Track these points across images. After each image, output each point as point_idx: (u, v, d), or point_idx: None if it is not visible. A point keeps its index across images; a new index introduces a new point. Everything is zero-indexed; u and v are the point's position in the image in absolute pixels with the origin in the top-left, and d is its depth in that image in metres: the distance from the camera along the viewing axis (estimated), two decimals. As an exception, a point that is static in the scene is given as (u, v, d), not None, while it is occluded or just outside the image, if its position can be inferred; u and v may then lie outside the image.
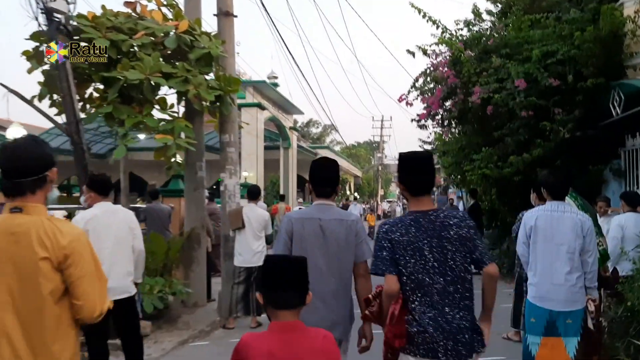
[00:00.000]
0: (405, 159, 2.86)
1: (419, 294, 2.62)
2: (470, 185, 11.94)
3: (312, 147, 28.98)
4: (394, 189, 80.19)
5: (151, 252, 8.11)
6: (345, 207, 24.21)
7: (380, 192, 56.52)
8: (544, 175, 4.25)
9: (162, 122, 6.52)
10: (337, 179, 3.33)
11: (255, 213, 7.08)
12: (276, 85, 18.27)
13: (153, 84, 6.37)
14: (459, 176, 13.11)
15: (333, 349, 2.07)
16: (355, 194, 43.23)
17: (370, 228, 23.46)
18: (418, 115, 11.21)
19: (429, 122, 11.31)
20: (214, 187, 14.74)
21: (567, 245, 3.95)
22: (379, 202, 51.56)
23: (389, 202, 57.03)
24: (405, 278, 2.63)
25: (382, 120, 53.72)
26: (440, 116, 10.86)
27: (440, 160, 13.39)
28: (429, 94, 10.81)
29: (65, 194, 34.37)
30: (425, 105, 10.87)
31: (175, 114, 8.27)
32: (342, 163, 34.86)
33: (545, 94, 8.82)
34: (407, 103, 11.08)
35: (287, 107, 19.70)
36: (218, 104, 6.95)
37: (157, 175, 32.33)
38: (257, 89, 16.09)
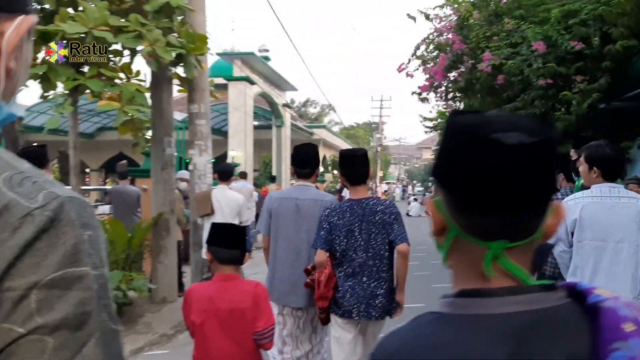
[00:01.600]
0: (345, 155, 3.50)
1: (344, 266, 3.23)
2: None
3: (308, 127, 27.76)
4: (394, 170, 79.17)
5: (110, 242, 7.07)
6: (341, 190, 23.14)
7: (380, 173, 55.43)
8: (594, 147, 3.16)
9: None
10: (316, 162, 3.69)
11: (227, 196, 5.99)
12: (267, 59, 17.05)
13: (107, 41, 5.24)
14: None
15: (261, 293, 2.56)
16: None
17: None
18: (419, 87, 10.06)
19: (431, 95, 10.16)
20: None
21: (628, 242, 2.88)
22: (378, 184, 50.50)
23: (388, 183, 56.03)
24: (338, 254, 3.26)
25: (381, 100, 52.40)
26: (444, 88, 9.70)
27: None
28: (432, 63, 9.65)
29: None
30: (427, 76, 9.71)
31: (143, 83, 7.20)
32: (340, 144, 33.71)
33: (566, 60, 7.67)
34: (407, 74, 9.93)
35: (279, 83, 18.49)
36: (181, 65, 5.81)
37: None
38: (245, 61, 14.87)
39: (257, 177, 19.79)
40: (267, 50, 17.39)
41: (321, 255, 3.27)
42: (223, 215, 5.90)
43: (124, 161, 10.98)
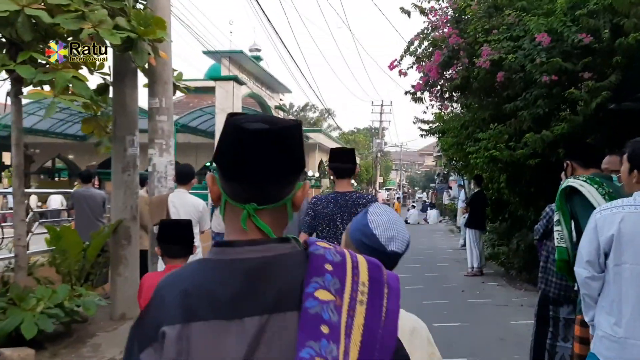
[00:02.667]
0: (334, 151, 3.83)
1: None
2: (474, 170, 10.10)
3: (304, 131, 27.07)
4: (395, 176, 78.35)
5: (62, 251, 6.35)
6: None
7: (380, 179, 54.67)
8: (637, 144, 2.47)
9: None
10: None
11: (186, 202, 5.24)
12: (259, 59, 16.36)
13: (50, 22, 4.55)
14: (460, 161, 11.27)
15: None
16: (353, 182, 41.33)
17: None
18: (413, 86, 9.34)
19: (426, 95, 9.42)
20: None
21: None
22: (378, 190, 49.72)
23: (388, 190, 55.27)
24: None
25: (381, 105, 51.70)
26: (439, 87, 8.97)
27: (439, 142, 11.53)
28: (427, 60, 8.93)
29: (50, 179, 32.66)
30: (421, 74, 8.99)
31: (108, 77, 6.50)
32: (338, 148, 33.04)
33: (573, 55, 6.94)
34: (400, 72, 9.21)
35: (272, 84, 17.79)
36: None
37: (143, 157, 30.65)
38: (233, 60, 14.18)
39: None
40: (258, 50, 16.67)
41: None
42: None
43: (94, 162, 10.18)
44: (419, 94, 9.34)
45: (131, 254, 6.51)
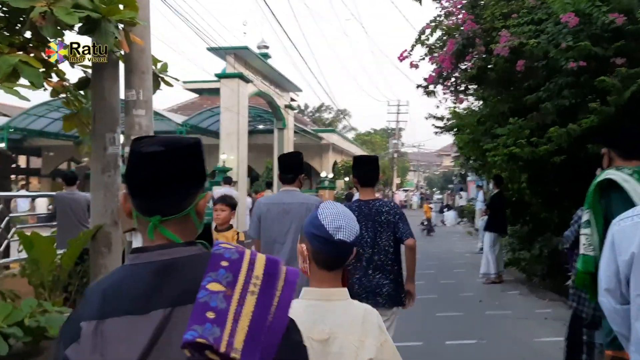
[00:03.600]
0: (359, 159, 3.93)
1: (353, 261, 2.74)
2: (492, 169, 9.33)
3: (316, 131, 26.40)
4: (412, 177, 77.25)
5: (33, 260, 5.77)
6: (349, 196, 21.70)
7: (397, 180, 53.79)
8: None
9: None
10: (299, 168, 3.92)
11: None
12: (267, 56, 15.73)
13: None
14: (477, 160, 10.50)
15: None
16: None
17: (426, 220, 20.81)
18: (425, 79, 8.62)
19: (439, 88, 8.70)
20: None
21: None
22: (394, 191, 48.84)
23: (406, 191, 54.34)
24: None
25: (398, 105, 50.87)
26: (453, 79, 8.24)
27: (455, 140, 10.79)
28: (439, 50, 8.22)
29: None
30: (434, 65, 8.28)
31: (89, 70, 5.92)
32: (352, 149, 32.31)
33: (603, 39, 6.18)
34: (411, 65, 8.49)
35: (281, 82, 17.15)
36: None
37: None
38: (239, 57, 13.57)
39: (258, 184, 18.53)
40: (266, 47, 16.04)
41: None
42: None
43: (83, 163, 9.62)
44: (431, 87, 8.63)
45: (112, 263, 5.89)
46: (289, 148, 18.49)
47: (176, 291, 1.07)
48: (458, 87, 8.26)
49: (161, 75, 6.09)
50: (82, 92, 6.29)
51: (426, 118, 9.63)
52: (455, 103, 8.77)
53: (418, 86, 8.86)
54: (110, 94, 5.83)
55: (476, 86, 8.14)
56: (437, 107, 8.73)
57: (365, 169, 3.81)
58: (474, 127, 8.53)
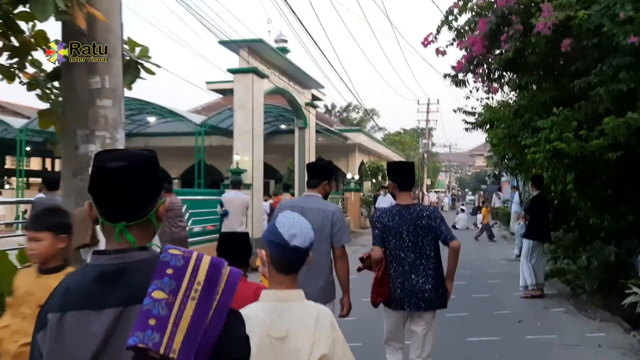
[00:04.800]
0: (396, 164, 4.15)
1: (395, 264, 3.73)
2: (532, 168, 8.22)
3: (342, 131, 25.39)
4: (443, 178, 75.44)
5: (-10, 279, 4.98)
6: (375, 197, 20.67)
7: (427, 181, 52.36)
8: None
9: None
10: (324, 174, 3.91)
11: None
12: (285, 50, 14.86)
13: None
14: (514, 158, 9.39)
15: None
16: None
17: (484, 225, 19.30)
18: (453, 67, 7.59)
19: (469, 76, 7.64)
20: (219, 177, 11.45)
21: None
22: (425, 193, 47.45)
23: (437, 192, 52.89)
24: (387, 252, 3.76)
25: (428, 104, 49.50)
26: (485, 65, 7.18)
27: (488, 137, 9.68)
28: (469, 33, 7.18)
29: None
30: (463, 51, 7.24)
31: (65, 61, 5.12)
32: (379, 149, 31.20)
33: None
34: (437, 51, 7.48)
35: (301, 78, 16.21)
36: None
37: (176, 162, 29.77)
38: (253, 51, 12.71)
39: (279, 187, 17.68)
40: (285, 41, 15.15)
41: (377, 251, 3.73)
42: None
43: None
44: (461, 75, 7.59)
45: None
46: (310, 148, 17.56)
47: (127, 292, 1.22)
48: (491, 75, 7.19)
49: (141, 61, 5.25)
50: (56, 84, 5.51)
51: (454, 111, 8.56)
52: (488, 94, 7.68)
53: (446, 75, 7.84)
54: (82, 83, 4.99)
55: (512, 72, 7.04)
56: (468, 97, 7.65)
57: (403, 175, 3.90)
58: (510, 120, 7.44)
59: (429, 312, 3.70)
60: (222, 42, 12.29)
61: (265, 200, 14.72)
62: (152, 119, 24.89)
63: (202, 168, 19.14)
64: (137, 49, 5.33)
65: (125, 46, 5.53)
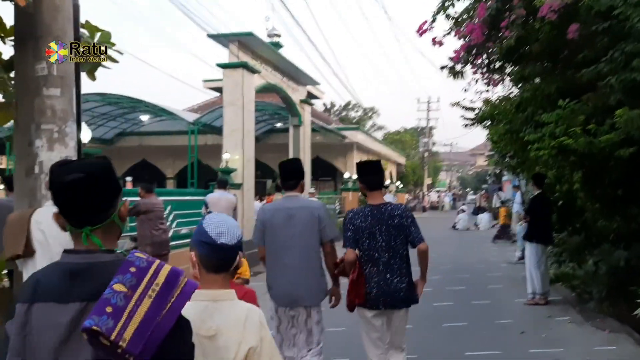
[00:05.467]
0: (363, 164, 4.03)
1: (370, 265, 3.72)
2: (535, 166, 7.69)
3: (339, 129, 24.84)
4: (444, 177, 74.85)
5: None
6: None
7: (428, 181, 51.82)
8: None
9: None
10: (300, 175, 3.98)
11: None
12: (278, 45, 14.34)
13: None
14: (515, 156, 8.85)
15: (251, 300, 2.56)
16: (398, 183, 38.88)
17: (503, 227, 18.29)
18: (450, 58, 7.07)
19: (468, 68, 7.12)
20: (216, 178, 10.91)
21: None
22: (425, 192, 46.93)
23: (438, 192, 52.31)
24: (361, 253, 3.74)
25: (428, 102, 48.99)
26: (485, 55, 6.66)
27: (488, 134, 9.16)
28: (468, 21, 6.66)
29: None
30: (461, 40, 6.72)
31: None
32: (378, 148, 30.68)
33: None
34: (434, 41, 6.97)
35: (295, 74, 15.69)
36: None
37: (171, 162, 29.23)
38: (244, 45, 12.19)
39: (271, 187, 17.15)
40: (277, 36, 14.62)
41: (351, 254, 3.72)
42: (50, 254, 3.13)
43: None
44: (458, 67, 7.07)
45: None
46: (305, 146, 17.05)
47: (91, 288, 1.32)
48: (491, 66, 6.66)
49: (99, 45, 4.73)
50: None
51: (452, 105, 8.01)
52: (488, 86, 7.15)
53: (442, 67, 7.31)
54: (30, 70, 4.49)
55: (514, 62, 6.51)
56: (466, 90, 7.12)
57: (370, 174, 3.87)
58: (512, 115, 6.91)
59: (405, 309, 3.80)
60: (211, 36, 11.80)
61: (260, 200, 14.21)
62: (145, 118, 24.36)
63: (196, 167, 18.60)
64: (98, 34, 4.84)
65: (85, 31, 5.04)
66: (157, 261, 1.34)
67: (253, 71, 12.44)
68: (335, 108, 48.43)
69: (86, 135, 7.55)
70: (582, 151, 5.50)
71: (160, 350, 1.26)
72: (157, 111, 22.72)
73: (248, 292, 2.92)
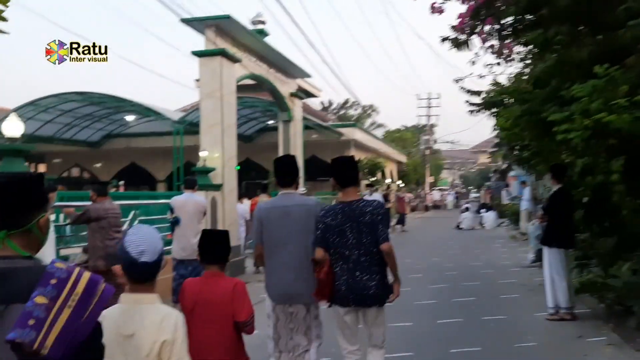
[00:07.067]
0: (336, 161, 3.89)
1: (340, 262, 3.66)
2: (552, 156, 6.43)
3: (335, 126, 23.62)
4: (447, 175, 73.45)
5: None
6: (386, 197, 18.99)
7: (430, 179, 50.52)
8: None
9: None
10: (296, 171, 3.96)
11: None
12: (263, 33, 13.12)
13: None
14: (530, 145, 7.60)
15: (241, 290, 2.98)
16: (399, 182, 37.62)
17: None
18: (453, 27, 5.86)
19: (474, 39, 5.88)
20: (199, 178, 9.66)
21: None
22: (427, 192, 45.61)
23: (440, 190, 51.04)
24: (332, 251, 3.67)
25: (428, 99, 47.69)
26: (496, 19, 5.41)
27: (498, 119, 7.92)
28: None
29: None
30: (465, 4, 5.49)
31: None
32: (377, 145, 29.45)
33: None
34: (433, 8, 5.80)
35: (283, 66, 14.44)
36: None
37: (161, 164, 27.97)
38: (222, 31, 10.94)
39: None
40: (262, 23, 13.39)
41: (319, 252, 3.67)
42: None
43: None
44: (462, 37, 5.83)
45: None
46: (296, 143, 15.79)
47: (10, 292, 1.40)
48: (502, 32, 5.41)
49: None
50: None
51: (455, 81, 6.71)
52: (500, 58, 5.87)
53: (444, 39, 6.08)
54: None
55: (532, 23, 5.23)
56: (473, 63, 5.84)
57: (343, 170, 3.82)
58: (530, 93, 5.64)
59: (375, 309, 3.71)
60: (185, 20, 10.57)
61: (250, 198, 13.00)
62: (130, 118, 23.17)
63: (182, 169, 17.37)
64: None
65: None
66: (77, 270, 1.44)
67: (233, 59, 11.20)
68: (333, 106, 47.21)
69: (18, 128, 6.32)
70: (626, 131, 4.26)
71: (79, 352, 1.39)
72: (143, 111, 21.54)
73: (238, 283, 3.03)
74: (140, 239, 2.06)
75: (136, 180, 27.87)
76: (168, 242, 7.95)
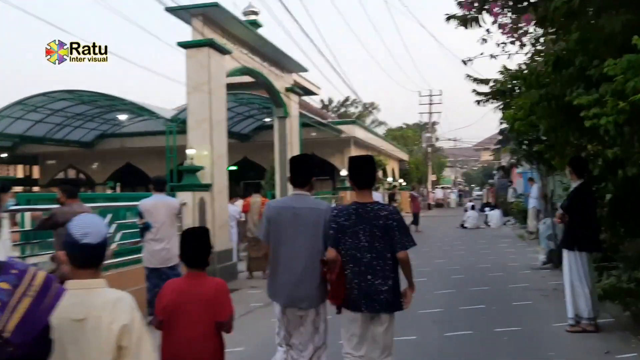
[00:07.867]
0: (354, 160, 3.76)
1: (351, 265, 3.54)
2: (577, 146, 5.72)
3: (335, 123, 22.93)
4: (449, 173, 72.59)
5: None
6: (392, 196, 18.26)
7: (432, 177, 49.76)
8: None
9: None
10: (310, 172, 3.87)
11: None
12: (256, 24, 12.42)
13: None
14: (544, 137, 6.89)
15: (222, 290, 2.98)
16: (401, 180, 36.88)
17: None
18: (459, 3, 5.15)
19: (484, 16, 5.16)
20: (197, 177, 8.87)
21: None
22: (430, 189, 44.84)
23: (443, 188, 50.29)
24: (343, 252, 3.56)
25: (430, 96, 46.88)
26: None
27: (504, 115, 7.22)
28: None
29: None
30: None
31: None
32: (378, 143, 28.72)
33: None
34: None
35: (278, 59, 13.73)
36: None
37: (157, 164, 27.25)
38: (210, 20, 10.23)
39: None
40: (255, 13, 12.68)
41: (331, 252, 3.57)
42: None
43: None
44: (470, 13, 5.12)
45: None
46: (293, 140, 15.08)
47: None
48: (518, 3, 4.70)
49: None
50: None
51: (464, 62, 5.95)
52: (514, 35, 5.13)
53: (449, 18, 5.37)
54: None
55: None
56: (485, 41, 5.10)
57: (361, 170, 3.69)
58: (549, 74, 4.92)
59: (386, 314, 3.56)
60: (170, 9, 9.86)
61: (243, 198, 12.28)
62: (123, 117, 22.52)
63: (175, 169, 16.69)
64: None
65: None
66: (32, 268, 1.61)
67: (222, 51, 10.50)
68: (334, 104, 46.51)
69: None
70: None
71: (37, 339, 1.56)
72: (136, 109, 20.91)
73: (220, 283, 3.03)
74: (84, 222, 2.09)
75: (132, 181, 27.21)
76: (138, 250, 7.13)
